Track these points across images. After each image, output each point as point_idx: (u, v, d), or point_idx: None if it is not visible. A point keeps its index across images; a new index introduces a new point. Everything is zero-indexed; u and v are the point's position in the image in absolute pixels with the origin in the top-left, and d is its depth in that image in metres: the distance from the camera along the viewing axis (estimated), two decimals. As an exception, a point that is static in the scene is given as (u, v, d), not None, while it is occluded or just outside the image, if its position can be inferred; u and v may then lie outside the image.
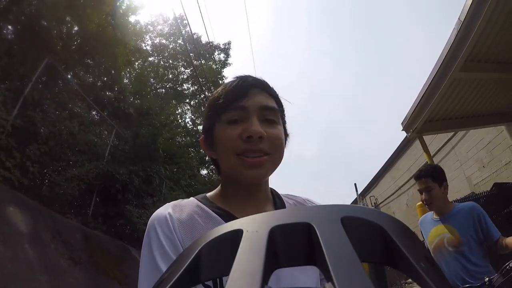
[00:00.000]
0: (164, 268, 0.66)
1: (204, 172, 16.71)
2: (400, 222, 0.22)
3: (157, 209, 0.77)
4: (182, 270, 0.21)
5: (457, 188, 7.56)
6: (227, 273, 0.18)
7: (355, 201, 18.10)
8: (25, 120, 5.53)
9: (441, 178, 2.33)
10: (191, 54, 15.63)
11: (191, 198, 0.83)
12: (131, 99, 11.11)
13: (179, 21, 14.40)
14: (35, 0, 6.84)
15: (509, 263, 1.95)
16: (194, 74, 16.23)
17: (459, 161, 7.97)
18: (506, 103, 4.94)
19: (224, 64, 18.71)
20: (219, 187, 0.86)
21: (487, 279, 2.02)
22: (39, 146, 5.67)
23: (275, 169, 0.80)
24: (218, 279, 0.66)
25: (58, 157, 6.26)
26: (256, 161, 0.74)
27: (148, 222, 0.74)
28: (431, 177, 2.31)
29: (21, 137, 5.35)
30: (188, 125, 17.15)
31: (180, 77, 18.02)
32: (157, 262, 0.67)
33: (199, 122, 17.11)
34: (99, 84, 9.39)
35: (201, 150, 15.69)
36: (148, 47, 16.63)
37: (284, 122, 0.86)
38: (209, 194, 0.85)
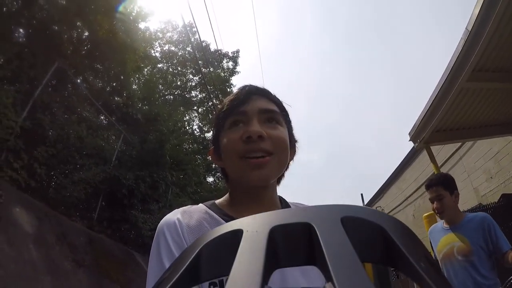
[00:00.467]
0: None
1: (210, 179, 16.75)
2: (400, 222, 0.22)
3: (163, 215, 0.78)
4: (182, 270, 0.21)
5: (464, 199, 7.46)
6: (227, 273, 0.18)
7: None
8: (34, 122, 5.60)
9: (452, 187, 2.30)
10: (199, 62, 15.74)
11: (200, 205, 0.83)
12: (140, 105, 11.20)
13: (188, 28, 14.55)
14: (47, 5, 6.95)
15: None
16: (203, 81, 16.34)
17: (466, 172, 7.88)
18: (514, 113, 4.89)
19: (232, 72, 18.85)
20: (227, 194, 0.86)
21: None
22: (47, 149, 5.73)
23: (280, 170, 0.80)
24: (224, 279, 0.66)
25: (65, 160, 6.32)
26: (259, 161, 0.74)
27: (158, 227, 0.75)
28: (442, 186, 2.29)
29: (29, 139, 5.41)
30: (195, 132, 17.24)
31: (188, 84, 18.16)
32: (165, 266, 0.67)
33: (206, 129, 17.19)
34: (108, 89, 9.50)
35: (208, 157, 15.63)
36: (157, 54, 16.82)
37: (290, 127, 0.86)
38: (217, 201, 0.85)
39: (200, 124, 17.91)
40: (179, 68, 17.94)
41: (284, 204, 0.87)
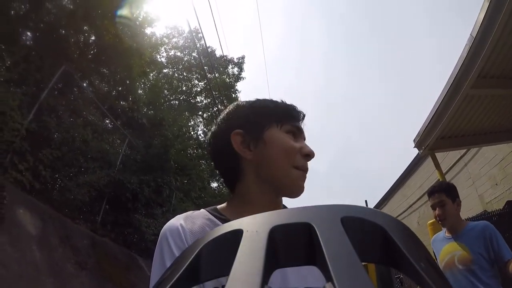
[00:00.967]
0: None
1: (214, 184, 16.72)
2: (401, 223, 0.22)
3: (167, 220, 0.78)
4: (182, 270, 0.21)
5: (469, 206, 7.41)
6: (227, 273, 0.18)
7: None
8: (40, 125, 5.63)
9: (454, 194, 2.30)
10: (205, 67, 15.82)
11: (202, 210, 0.83)
12: (145, 110, 11.27)
13: (194, 34, 14.62)
14: (54, 9, 7.03)
15: None
16: (208, 87, 16.41)
17: (471, 179, 7.83)
18: (520, 119, 4.86)
19: (238, 78, 18.95)
20: (229, 200, 0.86)
21: None
22: (52, 151, 5.76)
23: None
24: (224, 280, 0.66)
25: (70, 163, 6.35)
26: (306, 176, 0.81)
27: (160, 232, 0.75)
28: (445, 192, 2.28)
29: (34, 141, 5.45)
30: (200, 137, 17.26)
31: (193, 89, 18.25)
32: None
33: (211, 135, 17.15)
34: (113, 93, 9.56)
35: (212, 163, 15.60)
36: (163, 59, 16.94)
37: None
38: (219, 207, 0.85)
39: (205, 129, 17.94)
40: (185, 74, 18.04)
41: None
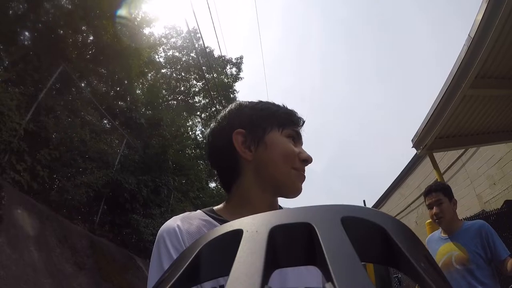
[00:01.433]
0: None
1: (212, 185, 16.72)
2: (401, 223, 0.22)
3: (165, 220, 0.78)
4: (182, 270, 0.21)
5: (467, 206, 7.43)
6: (227, 273, 0.18)
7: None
8: (38, 125, 5.62)
9: (451, 194, 2.32)
10: (203, 68, 15.81)
11: (198, 211, 0.83)
12: (143, 110, 11.25)
13: (192, 34, 14.62)
14: (52, 9, 7.01)
15: None
16: (206, 87, 16.39)
17: (469, 179, 7.84)
18: (517, 119, 4.88)
19: (236, 78, 18.96)
20: (225, 201, 0.86)
21: None
22: (50, 151, 5.74)
23: None
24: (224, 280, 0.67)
25: (68, 163, 6.33)
26: (304, 178, 0.84)
27: (158, 234, 0.75)
28: (442, 192, 2.30)
29: (32, 141, 5.43)
30: (198, 137, 17.24)
31: (192, 89, 18.24)
32: None
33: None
34: (111, 93, 9.55)
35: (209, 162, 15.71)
36: (161, 59, 16.93)
37: None
38: (215, 208, 0.85)
39: (203, 129, 17.93)
40: (183, 74, 18.03)
41: None
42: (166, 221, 0.77)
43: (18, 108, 5.25)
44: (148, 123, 9.92)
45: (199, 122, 18.31)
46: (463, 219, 3.68)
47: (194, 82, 18.20)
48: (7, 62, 6.18)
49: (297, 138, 0.86)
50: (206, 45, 17.49)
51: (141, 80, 11.65)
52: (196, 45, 16.00)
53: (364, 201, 18.54)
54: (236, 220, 0.23)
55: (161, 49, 16.50)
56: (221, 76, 18.09)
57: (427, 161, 7.09)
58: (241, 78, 19.10)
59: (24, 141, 5.20)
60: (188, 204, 10.65)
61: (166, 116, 11.15)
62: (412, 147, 5.18)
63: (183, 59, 17.98)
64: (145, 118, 10.11)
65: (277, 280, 0.67)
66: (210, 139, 0.87)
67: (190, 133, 16.85)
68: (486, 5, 3.13)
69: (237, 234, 0.21)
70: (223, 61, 18.44)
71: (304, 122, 0.90)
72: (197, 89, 18.21)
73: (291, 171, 0.80)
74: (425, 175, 9.99)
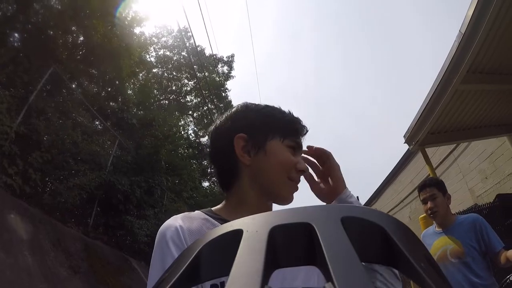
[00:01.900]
0: None
1: (206, 184, 16.72)
2: (401, 222, 0.22)
3: (159, 221, 0.78)
4: (182, 270, 0.21)
5: (460, 200, 7.49)
6: (227, 273, 0.18)
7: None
8: (29, 127, 5.56)
9: (444, 189, 2.36)
10: (194, 66, 15.77)
11: (197, 211, 0.83)
12: (135, 110, 11.18)
13: (183, 33, 14.57)
14: (42, 10, 6.93)
15: (509, 276, 1.93)
16: (198, 86, 16.38)
17: (461, 173, 7.91)
18: (508, 113, 4.92)
19: (228, 76, 18.96)
20: (223, 202, 0.87)
21: None
22: (41, 154, 5.68)
23: None
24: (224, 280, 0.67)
25: (60, 166, 6.27)
26: (297, 188, 0.85)
27: (158, 232, 0.74)
28: (436, 186, 2.35)
29: (24, 144, 5.38)
30: (190, 137, 17.21)
31: (183, 89, 18.19)
32: None
33: (201, 134, 17.18)
34: (103, 94, 9.48)
35: (204, 162, 15.93)
36: (152, 59, 16.84)
37: None
38: (214, 208, 0.85)
39: (195, 128, 17.91)
40: (174, 73, 17.97)
41: None
42: (160, 222, 0.77)
43: (8, 111, 5.19)
44: (140, 124, 9.87)
45: (191, 121, 18.29)
46: (456, 213, 3.71)
47: (186, 81, 18.17)
48: (-4, 64, 6.09)
49: (297, 149, 0.86)
50: (197, 44, 17.41)
51: (132, 80, 11.56)
52: (187, 44, 15.97)
53: (357, 197, 18.58)
54: (236, 220, 0.23)
55: (152, 48, 16.41)
56: (213, 75, 18.06)
57: (419, 156, 7.13)
58: (233, 77, 19.14)
59: (15, 144, 5.15)
60: (182, 204, 10.62)
61: (158, 116, 11.09)
62: (404, 142, 5.21)
63: (174, 58, 17.92)
64: (137, 118, 10.06)
65: (277, 280, 0.67)
66: (212, 136, 0.89)
67: (183, 132, 16.79)
68: (477, 0, 3.16)
69: (237, 234, 0.21)
70: (215, 60, 18.42)
71: (307, 131, 0.91)
72: (188, 88, 18.17)
73: (286, 181, 0.81)
74: (418, 171, 10.06)
